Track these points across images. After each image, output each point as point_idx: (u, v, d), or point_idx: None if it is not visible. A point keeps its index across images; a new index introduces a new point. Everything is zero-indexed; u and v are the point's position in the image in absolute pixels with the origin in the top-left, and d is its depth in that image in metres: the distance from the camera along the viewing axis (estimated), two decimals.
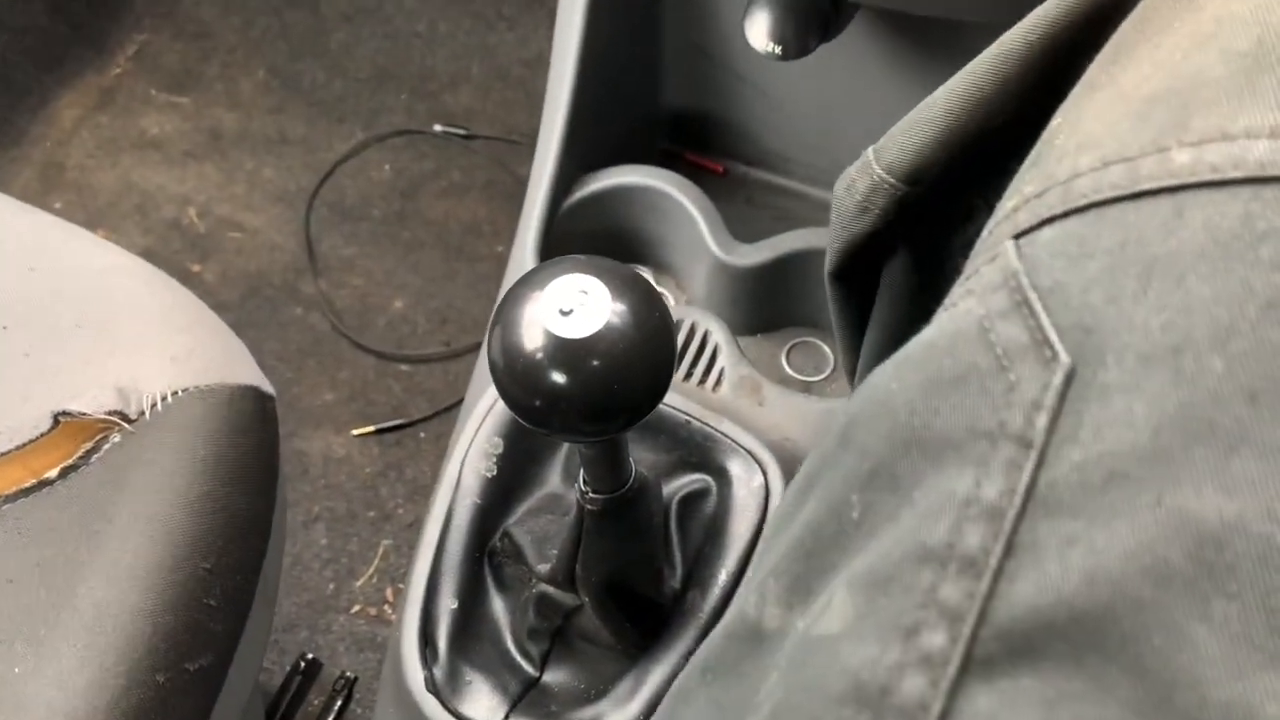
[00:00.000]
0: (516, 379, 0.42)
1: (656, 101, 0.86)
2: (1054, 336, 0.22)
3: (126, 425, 0.50)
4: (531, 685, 0.60)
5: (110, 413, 0.50)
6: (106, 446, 0.50)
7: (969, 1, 0.62)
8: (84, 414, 0.49)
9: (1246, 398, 0.20)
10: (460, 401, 0.88)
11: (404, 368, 1.13)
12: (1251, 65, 0.22)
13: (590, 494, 0.51)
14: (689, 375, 0.68)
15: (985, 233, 0.26)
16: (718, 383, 0.68)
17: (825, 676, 0.23)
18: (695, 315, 0.70)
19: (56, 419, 0.50)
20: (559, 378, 0.41)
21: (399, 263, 1.19)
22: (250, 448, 0.53)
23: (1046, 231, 0.24)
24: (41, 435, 0.50)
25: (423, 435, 1.09)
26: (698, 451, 0.63)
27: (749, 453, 0.62)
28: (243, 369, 0.57)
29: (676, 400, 0.64)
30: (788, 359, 0.79)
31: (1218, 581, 0.19)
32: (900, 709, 0.22)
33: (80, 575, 0.47)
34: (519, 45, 1.26)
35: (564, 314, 0.41)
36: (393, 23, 1.29)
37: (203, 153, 1.24)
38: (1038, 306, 0.23)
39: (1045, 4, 0.33)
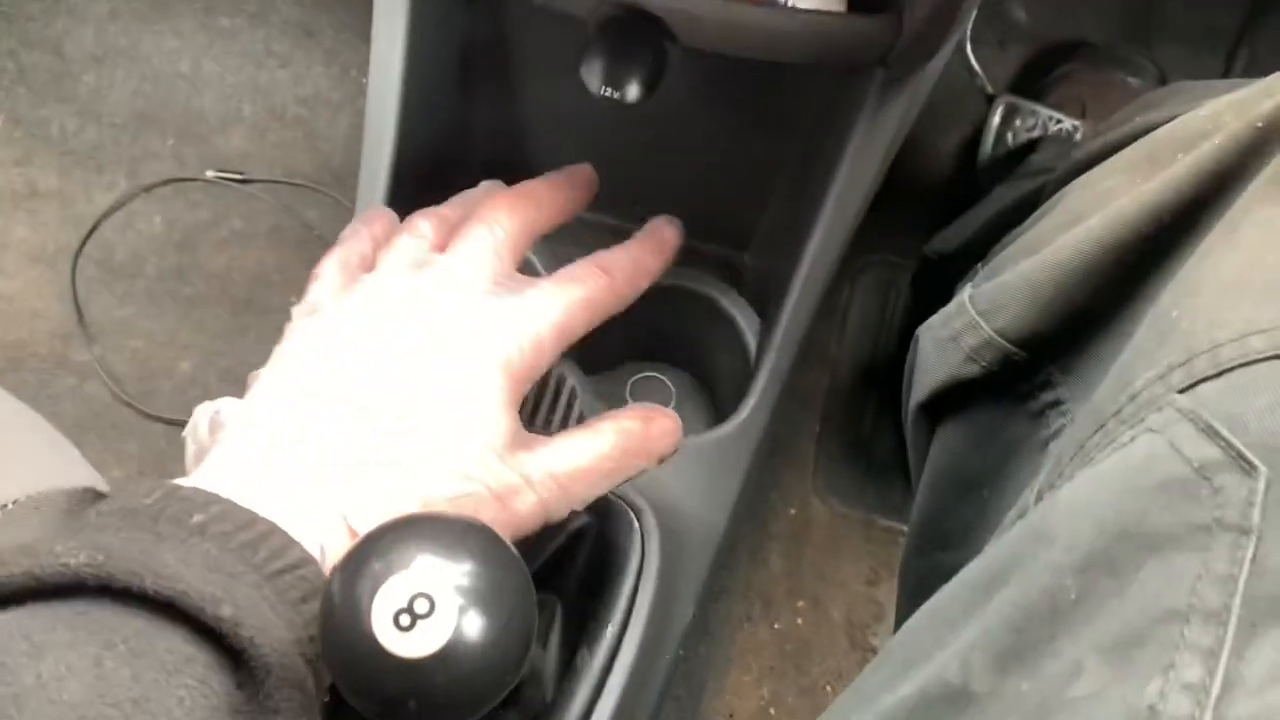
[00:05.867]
0: (351, 690, 0.37)
1: (472, 150, 0.84)
2: (1248, 453, 0.28)
3: None
4: None
5: None
6: None
7: (792, 49, 0.64)
8: None
9: None
10: None
11: None
12: None
13: None
14: (548, 423, 0.66)
15: (1122, 399, 0.32)
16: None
17: None
18: None
19: None
20: (399, 698, 0.36)
21: (181, 321, 1.10)
22: None
23: (1204, 387, 0.30)
24: None
25: None
26: None
27: (620, 498, 0.61)
28: (73, 467, 0.51)
29: None
30: (631, 395, 0.79)
31: None
32: None
33: None
34: (293, 84, 1.20)
35: (403, 629, 0.35)
36: (151, 63, 1.19)
37: None
38: (1223, 430, 0.28)
39: (1139, 196, 0.41)
